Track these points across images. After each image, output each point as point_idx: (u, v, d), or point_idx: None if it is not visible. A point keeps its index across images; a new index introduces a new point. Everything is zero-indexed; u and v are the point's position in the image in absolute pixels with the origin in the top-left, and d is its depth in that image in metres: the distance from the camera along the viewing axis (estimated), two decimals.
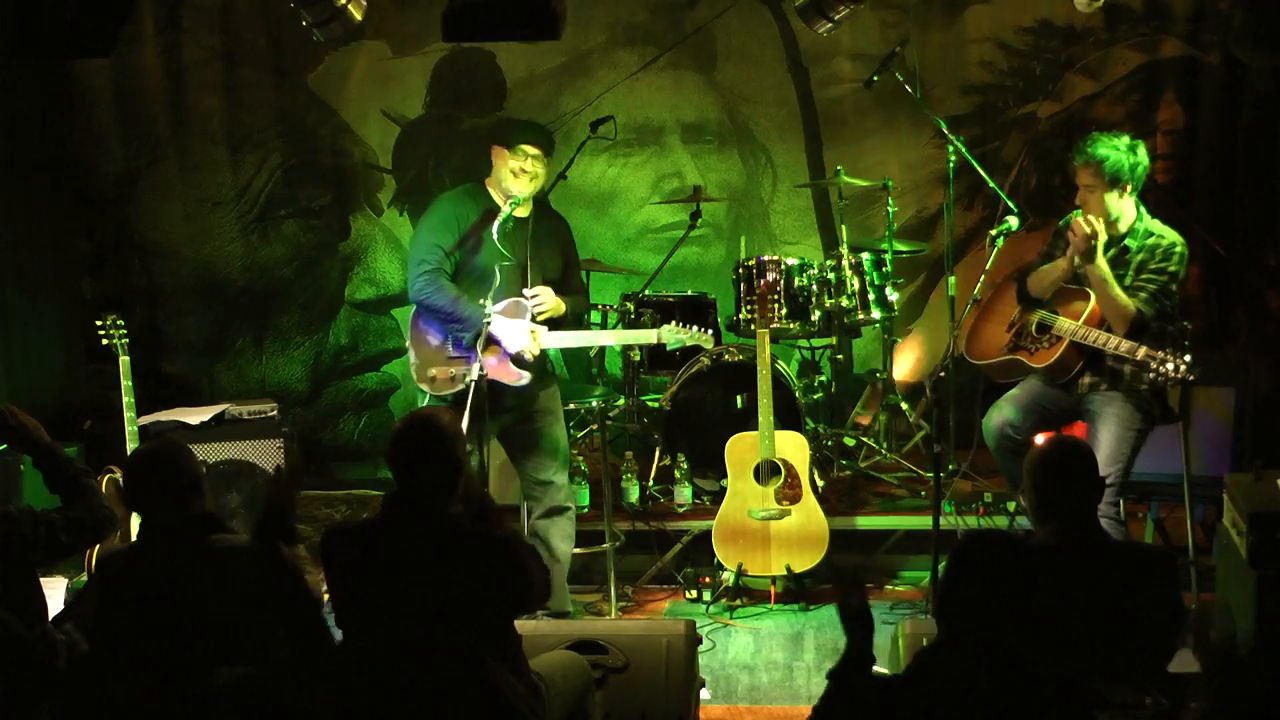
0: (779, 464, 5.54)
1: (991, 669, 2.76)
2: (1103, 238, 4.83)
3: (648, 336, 5.44)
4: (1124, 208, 4.93)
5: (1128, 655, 3.37)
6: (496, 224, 4.98)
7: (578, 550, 5.80)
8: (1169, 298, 4.90)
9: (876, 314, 6.24)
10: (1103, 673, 3.27)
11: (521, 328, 5.04)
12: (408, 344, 5.21)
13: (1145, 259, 4.90)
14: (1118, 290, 4.83)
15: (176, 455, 3.67)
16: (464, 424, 4.57)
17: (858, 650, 3.10)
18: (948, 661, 2.81)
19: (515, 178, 5.07)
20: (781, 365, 6.20)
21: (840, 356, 6.65)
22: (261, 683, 3.38)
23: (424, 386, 5.12)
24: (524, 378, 5.08)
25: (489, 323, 4.85)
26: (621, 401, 6.46)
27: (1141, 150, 4.91)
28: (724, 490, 5.67)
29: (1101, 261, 4.83)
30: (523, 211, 5.11)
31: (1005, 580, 2.84)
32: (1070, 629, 3.27)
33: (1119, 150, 4.85)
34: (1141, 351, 4.66)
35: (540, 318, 5.08)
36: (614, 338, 5.72)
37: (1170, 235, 4.94)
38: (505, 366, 5.05)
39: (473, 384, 4.74)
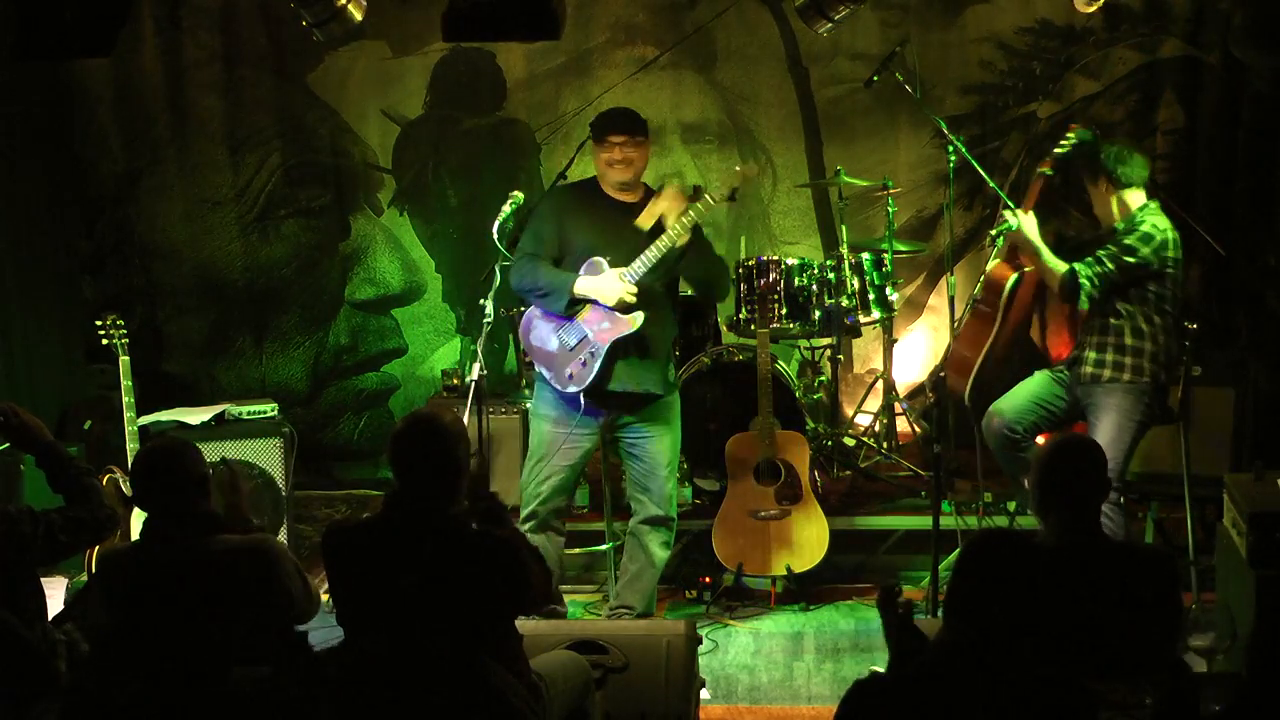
0: (779, 464, 5.55)
1: (997, 669, 2.76)
2: (1029, 233, 5.06)
3: (696, 210, 4.96)
4: (1127, 202, 5.00)
5: (1126, 654, 3.37)
6: (496, 223, 4.98)
7: (577, 550, 5.81)
8: (1126, 272, 4.92)
9: (876, 314, 6.25)
10: (1102, 672, 3.27)
11: (608, 278, 4.91)
12: (529, 362, 4.90)
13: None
14: (1047, 257, 5.03)
15: (184, 453, 3.66)
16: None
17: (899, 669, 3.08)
18: (953, 660, 2.80)
19: (610, 168, 4.98)
20: (781, 365, 6.20)
21: (840, 356, 6.65)
22: (264, 683, 3.38)
23: (571, 388, 4.95)
24: (638, 319, 4.93)
25: (489, 322, 4.86)
26: None
27: (1132, 153, 5.03)
28: (724, 490, 5.67)
29: (1025, 237, 5.06)
30: (630, 197, 5.02)
31: (1012, 579, 2.84)
32: (1070, 627, 3.27)
33: (1110, 148, 5.05)
34: None
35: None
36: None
37: (1153, 221, 4.97)
38: (615, 320, 4.93)
39: (472, 384, 4.74)
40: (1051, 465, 3.60)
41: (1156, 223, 4.96)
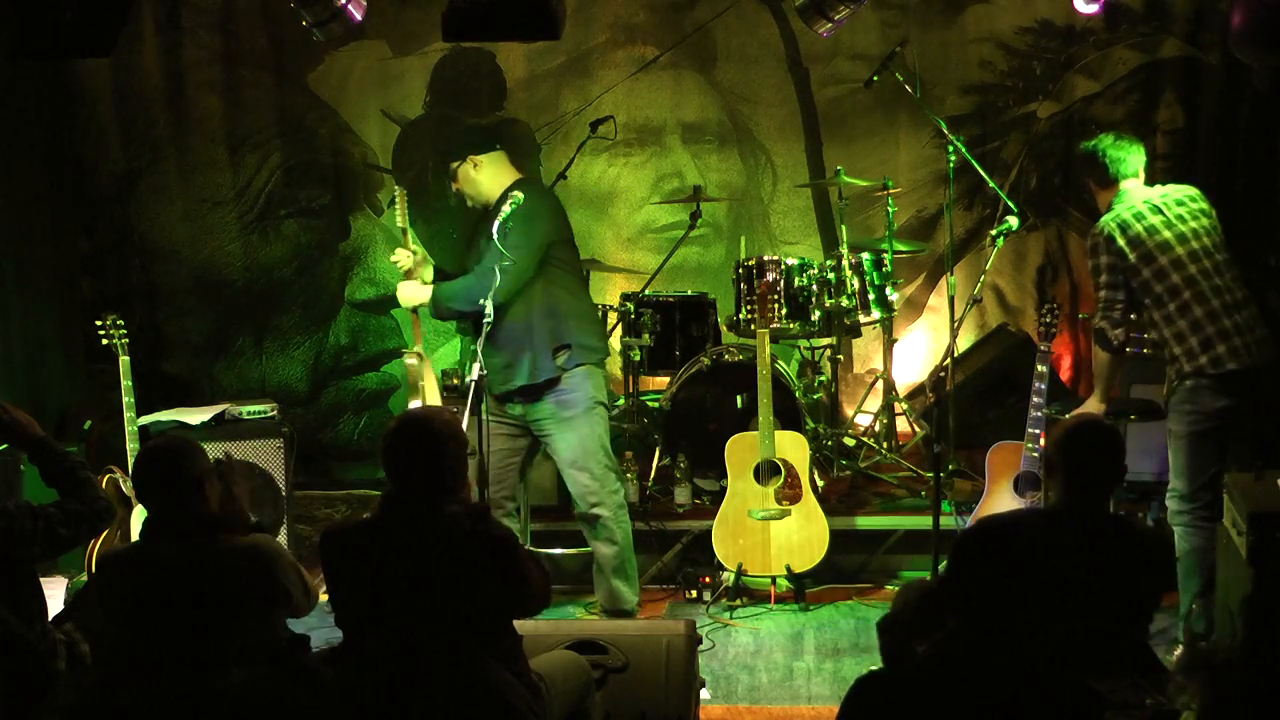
0: (779, 464, 5.54)
1: (1002, 660, 2.75)
2: None
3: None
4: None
5: (1103, 623, 3.39)
6: (496, 225, 4.98)
7: (578, 550, 5.81)
8: (1099, 290, 4.76)
9: (876, 314, 6.25)
10: (1082, 632, 3.26)
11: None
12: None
13: None
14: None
15: (184, 453, 3.65)
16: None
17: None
18: (957, 657, 2.80)
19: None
20: (781, 365, 6.20)
21: (840, 356, 6.65)
22: (262, 684, 3.38)
23: None
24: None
25: (489, 322, 4.86)
26: (621, 401, 6.46)
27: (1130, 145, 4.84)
28: (724, 490, 5.67)
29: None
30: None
31: (1007, 557, 2.83)
32: (1059, 592, 3.26)
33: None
34: None
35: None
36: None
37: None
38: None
39: (473, 384, 4.74)
40: (1071, 444, 3.60)
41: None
